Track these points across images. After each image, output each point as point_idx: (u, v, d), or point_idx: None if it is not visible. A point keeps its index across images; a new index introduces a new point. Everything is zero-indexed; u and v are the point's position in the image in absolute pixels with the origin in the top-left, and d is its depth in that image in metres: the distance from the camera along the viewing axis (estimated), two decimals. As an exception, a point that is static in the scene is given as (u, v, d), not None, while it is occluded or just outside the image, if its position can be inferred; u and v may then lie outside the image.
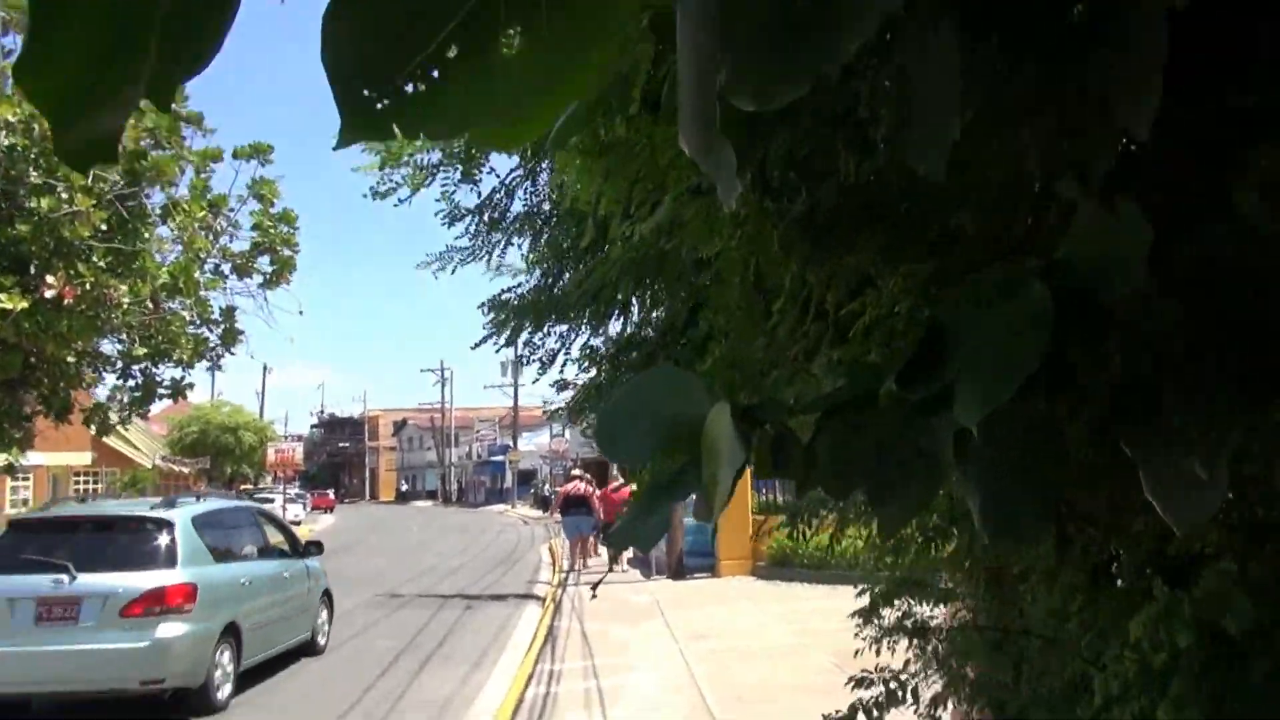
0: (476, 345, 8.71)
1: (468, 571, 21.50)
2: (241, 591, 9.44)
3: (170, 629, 8.29)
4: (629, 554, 22.07)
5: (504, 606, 15.80)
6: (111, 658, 8.08)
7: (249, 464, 57.96)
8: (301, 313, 20.60)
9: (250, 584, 9.65)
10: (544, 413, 16.73)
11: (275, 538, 11.30)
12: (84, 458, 35.50)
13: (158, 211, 20.11)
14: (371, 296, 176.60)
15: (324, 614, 11.89)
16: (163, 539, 8.79)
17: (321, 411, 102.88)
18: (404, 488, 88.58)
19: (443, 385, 72.19)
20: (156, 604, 8.30)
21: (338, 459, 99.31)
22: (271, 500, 48.92)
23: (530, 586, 18.60)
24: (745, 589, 14.95)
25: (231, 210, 20.12)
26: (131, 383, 21.80)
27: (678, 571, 16.97)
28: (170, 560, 8.66)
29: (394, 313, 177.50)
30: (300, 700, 9.61)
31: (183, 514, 9.26)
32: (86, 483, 39.57)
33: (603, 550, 22.16)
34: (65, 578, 8.26)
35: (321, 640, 11.67)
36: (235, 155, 19.85)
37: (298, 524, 45.99)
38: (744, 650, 10.07)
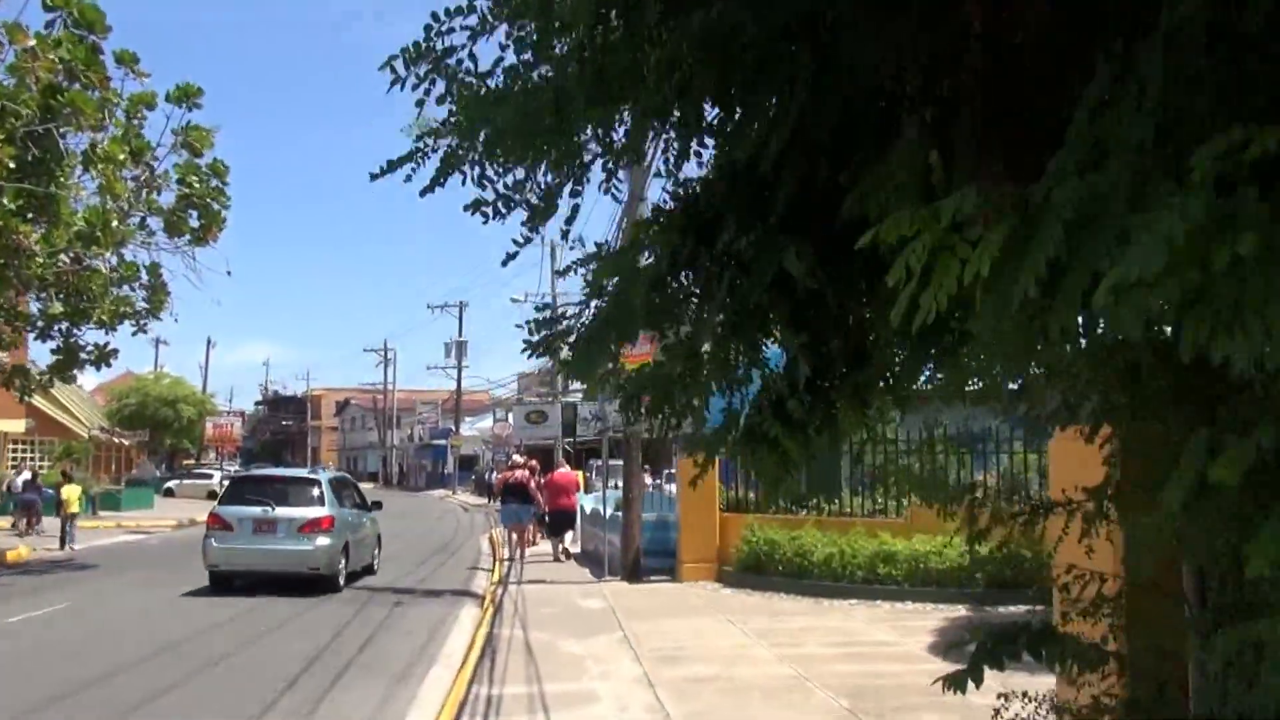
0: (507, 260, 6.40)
1: (401, 561, 19.24)
2: (350, 525, 15.49)
3: (322, 541, 14.46)
4: (577, 549, 20.09)
5: (438, 604, 13.61)
6: (293, 554, 14.32)
7: (189, 438, 54.83)
8: (230, 273, 18.14)
9: (352, 521, 15.74)
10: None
11: (358, 498, 17.24)
12: (18, 425, 32.39)
13: (78, 156, 17.67)
14: (322, 275, 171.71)
15: (377, 550, 17.58)
16: (317, 490, 15.16)
17: (266, 389, 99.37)
18: (345, 469, 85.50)
19: (385, 366, 69.43)
20: (316, 527, 14.46)
21: (281, 437, 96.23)
22: (210, 477, 46.19)
23: (468, 582, 16.42)
24: (713, 598, 12.91)
25: (157, 160, 17.73)
26: (52, 344, 19.44)
27: (633, 572, 14.88)
28: (321, 502, 14.84)
29: (343, 291, 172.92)
30: None
31: (324, 476, 16.30)
32: (24, 451, 36.38)
33: (545, 542, 20.92)
34: (269, 509, 14.60)
35: (375, 565, 17.32)
36: (168, 99, 17.43)
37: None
38: (729, 684, 8.00)
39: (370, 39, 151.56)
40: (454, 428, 58.56)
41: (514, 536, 19.33)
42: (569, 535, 20.12)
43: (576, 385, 43.19)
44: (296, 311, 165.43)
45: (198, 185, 16.27)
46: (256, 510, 14.54)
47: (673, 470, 24.40)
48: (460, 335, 55.23)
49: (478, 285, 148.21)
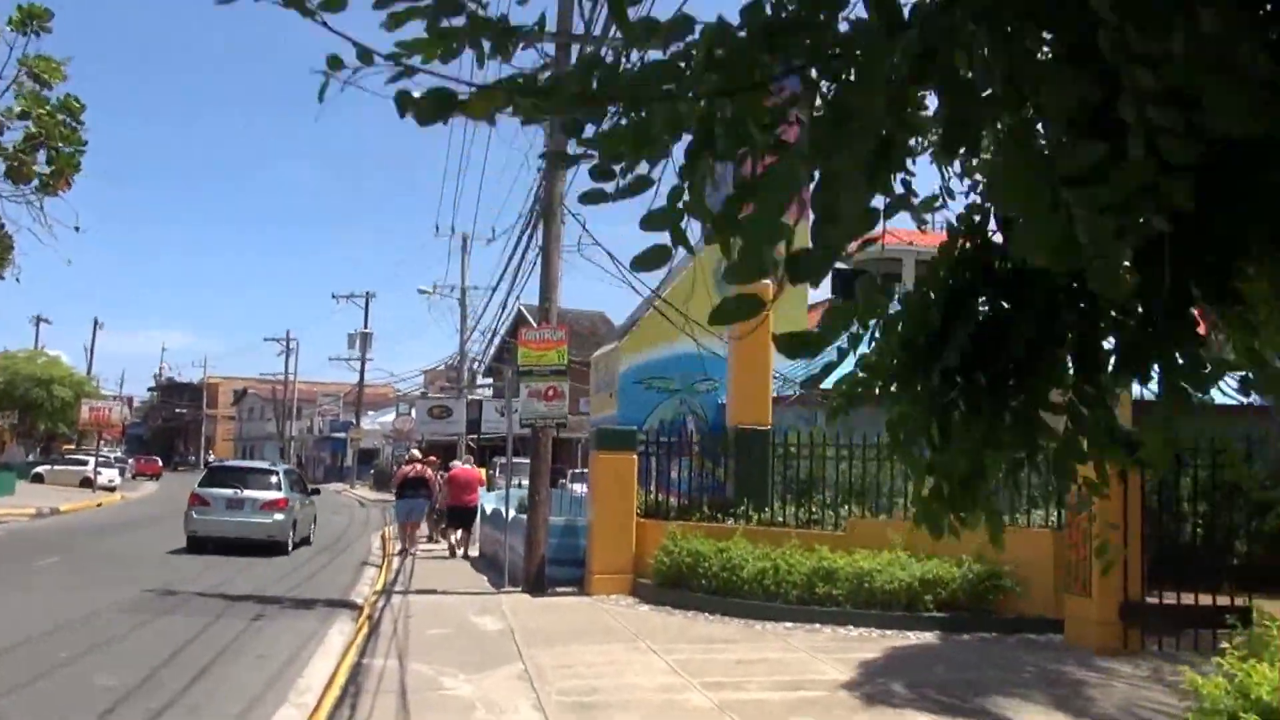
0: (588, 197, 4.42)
1: (278, 562, 16.87)
2: (297, 505, 19.08)
3: (278, 516, 18.20)
4: (475, 552, 18.07)
5: (306, 619, 11.40)
6: (256, 525, 17.99)
7: (64, 421, 50.48)
8: (79, 229, 15.40)
9: (299, 503, 19.35)
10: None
11: (304, 486, 21.54)
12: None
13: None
14: (224, 262, 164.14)
15: (314, 525, 21.12)
16: (275, 478, 18.97)
17: (161, 375, 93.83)
18: (241, 460, 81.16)
19: (287, 356, 65.63)
20: (274, 505, 18.25)
21: (174, 425, 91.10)
22: (84, 463, 42.32)
23: (349, 589, 14.18)
24: (630, 618, 10.98)
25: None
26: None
27: (537, 583, 12.87)
28: (279, 487, 18.63)
29: (246, 279, 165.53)
30: None
31: (281, 468, 20.35)
32: None
33: (442, 541, 19.54)
34: (239, 490, 18.38)
35: (312, 537, 20.68)
36: (10, 25, 14.77)
37: (112, 489, 39.78)
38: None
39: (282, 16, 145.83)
40: (355, 421, 55.57)
41: (408, 532, 18.46)
42: (467, 535, 18.61)
43: (482, 381, 41.06)
44: (197, 298, 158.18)
45: (46, 119, 13.69)
46: (229, 491, 18.44)
47: (581, 470, 22.55)
48: (366, 327, 52.51)
49: (386, 276, 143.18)
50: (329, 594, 13.62)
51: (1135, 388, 2.19)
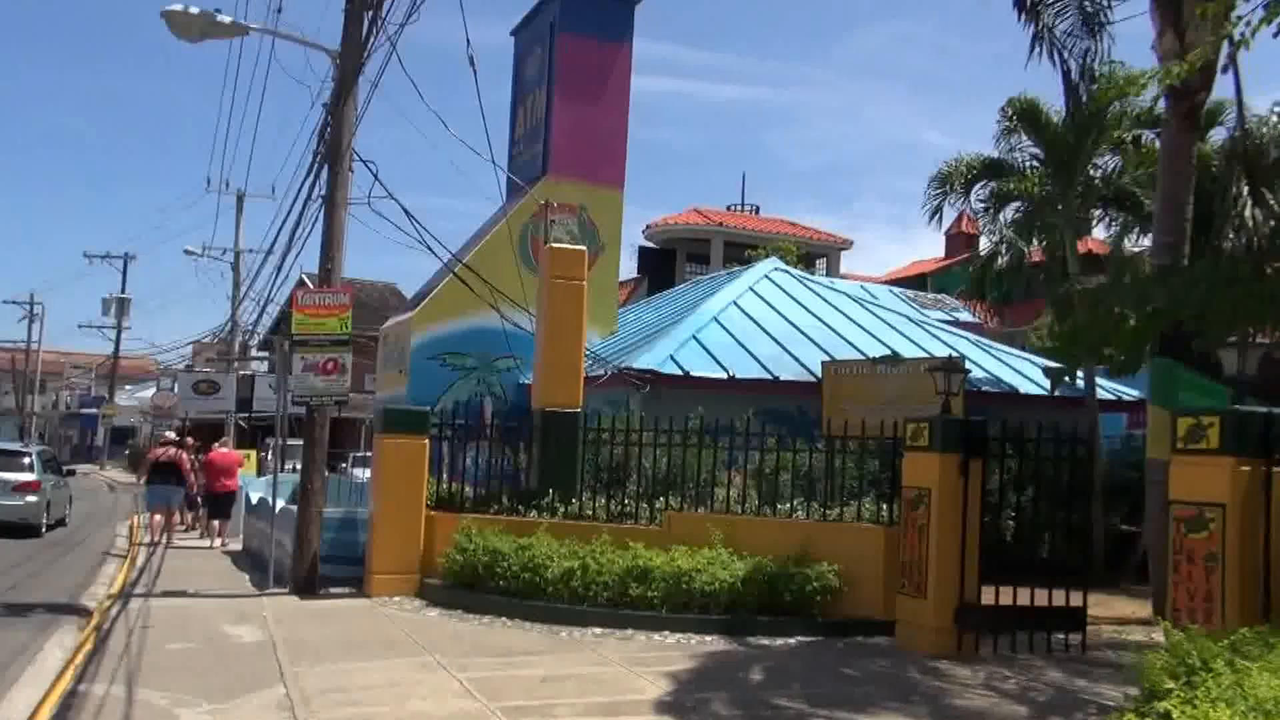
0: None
1: (7, 551, 14.31)
2: (50, 487, 18.92)
3: (31, 498, 17.81)
4: (238, 546, 16.01)
5: (18, 629, 9.26)
6: (11, 507, 17.42)
7: None
8: None
9: (52, 485, 19.23)
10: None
11: (56, 467, 21.38)
12: None
13: None
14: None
15: (69, 507, 21.00)
16: (28, 460, 18.61)
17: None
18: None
19: (30, 322, 58.45)
20: (27, 487, 17.83)
21: (-110, 396, 79.85)
22: None
23: (80, 590, 11.90)
24: (416, 625, 9.47)
25: None
26: None
27: (308, 584, 11.13)
28: (31, 469, 18.21)
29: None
30: None
31: (35, 449, 20.35)
32: None
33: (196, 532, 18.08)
34: None
35: (67, 519, 20.53)
36: None
37: None
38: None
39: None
40: (108, 395, 50.16)
41: (159, 520, 16.63)
42: (226, 525, 16.64)
43: (258, 354, 37.72)
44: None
45: None
46: None
47: (366, 454, 20.64)
48: (124, 291, 47.15)
49: (149, 236, 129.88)
50: (54, 596, 11.34)
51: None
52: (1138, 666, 5.09)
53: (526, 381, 15.63)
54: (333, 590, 11.13)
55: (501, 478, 11.94)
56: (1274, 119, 14.51)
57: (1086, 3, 12.24)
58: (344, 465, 25.32)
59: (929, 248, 53.93)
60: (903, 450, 9.36)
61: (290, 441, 16.35)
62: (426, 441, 11.28)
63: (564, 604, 9.57)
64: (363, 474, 17.40)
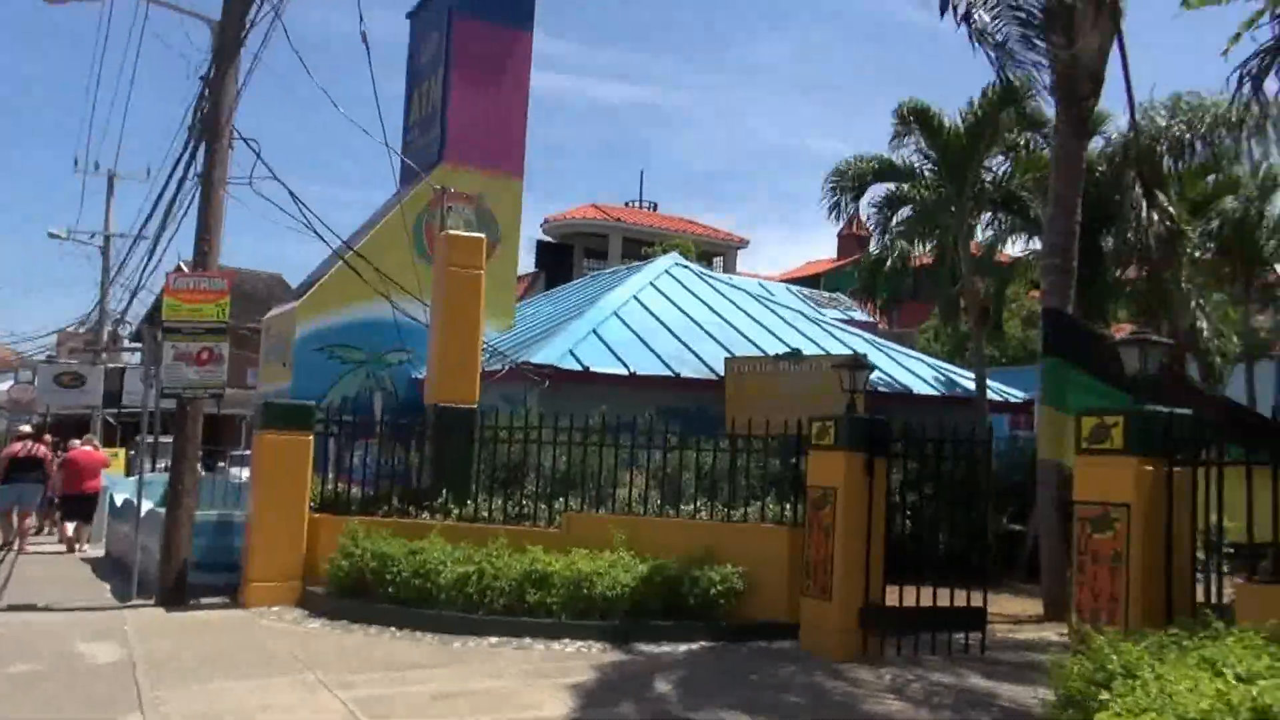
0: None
1: None
2: None
3: None
4: (100, 552, 14.91)
5: None
6: None
7: None
8: None
9: None
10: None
11: None
12: None
13: None
14: None
15: None
16: None
17: None
18: None
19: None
20: None
21: None
22: None
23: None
24: (297, 637, 8.77)
25: None
26: None
27: (177, 593, 10.28)
28: None
29: None
30: None
31: None
32: None
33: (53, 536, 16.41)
34: None
35: None
36: None
37: None
38: None
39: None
40: (-40, 388, 46.82)
41: (13, 522, 15.18)
42: (86, 529, 15.54)
43: (129, 344, 35.64)
44: None
45: None
46: None
47: (245, 452, 19.53)
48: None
49: (8, 217, 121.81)
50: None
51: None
52: (1054, 671, 4.93)
53: (419, 376, 14.95)
54: (205, 600, 10.30)
55: (392, 477, 11.29)
56: (1160, 119, 14.89)
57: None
58: (221, 464, 24.03)
59: (822, 249, 54.73)
60: (806, 449, 9.15)
61: (163, 439, 15.29)
62: (311, 438, 10.56)
63: (458, 612, 9.02)
64: (242, 474, 16.37)
